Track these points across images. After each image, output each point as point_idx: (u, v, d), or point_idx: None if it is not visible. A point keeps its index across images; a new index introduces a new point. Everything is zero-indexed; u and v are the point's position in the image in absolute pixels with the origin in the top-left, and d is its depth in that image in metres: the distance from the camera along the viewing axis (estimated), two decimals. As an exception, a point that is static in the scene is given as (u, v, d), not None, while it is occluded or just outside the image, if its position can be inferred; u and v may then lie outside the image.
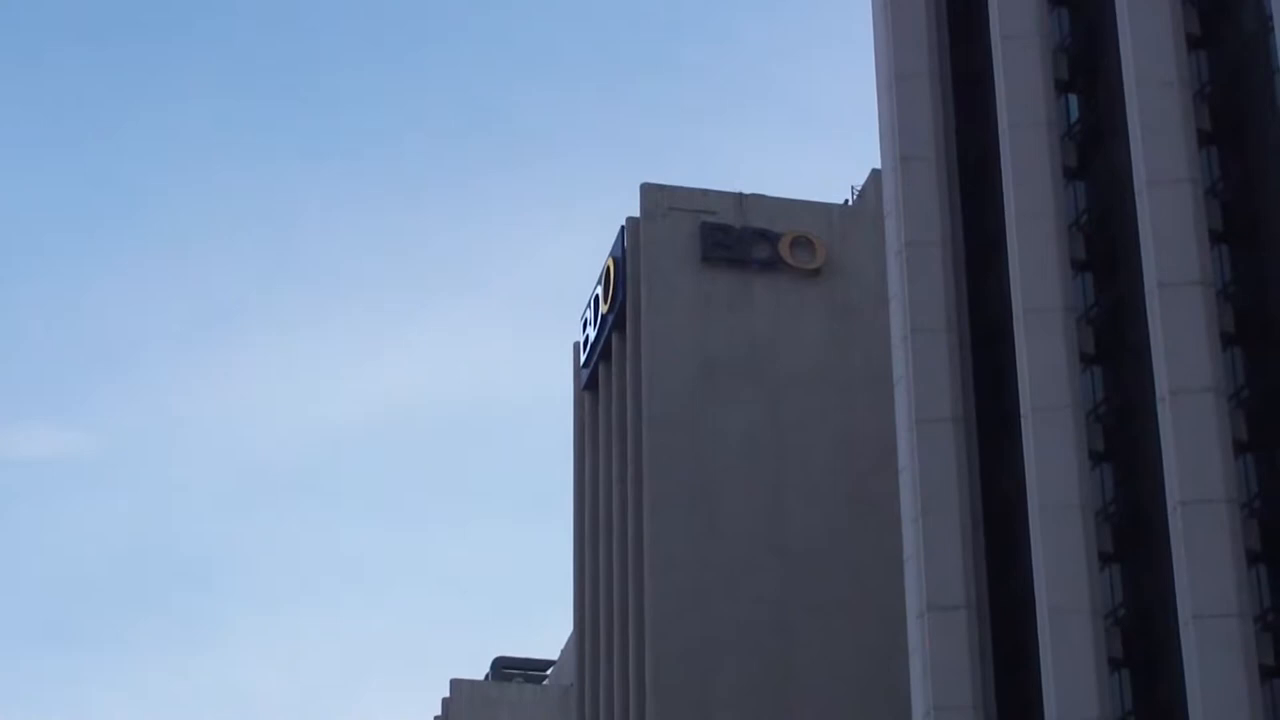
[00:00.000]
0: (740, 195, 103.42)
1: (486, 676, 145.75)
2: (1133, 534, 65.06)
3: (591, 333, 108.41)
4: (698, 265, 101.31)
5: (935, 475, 69.82)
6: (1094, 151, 70.44)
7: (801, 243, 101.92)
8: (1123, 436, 66.36)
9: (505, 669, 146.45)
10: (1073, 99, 71.85)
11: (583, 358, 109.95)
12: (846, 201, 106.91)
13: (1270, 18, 63.59)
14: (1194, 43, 67.26)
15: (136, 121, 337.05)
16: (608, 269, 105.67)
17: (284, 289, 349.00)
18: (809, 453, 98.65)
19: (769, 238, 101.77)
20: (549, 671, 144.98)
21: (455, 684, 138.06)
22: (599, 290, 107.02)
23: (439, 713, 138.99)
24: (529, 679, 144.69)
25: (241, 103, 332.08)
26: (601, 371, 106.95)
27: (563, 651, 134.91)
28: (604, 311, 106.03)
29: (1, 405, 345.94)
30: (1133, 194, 65.93)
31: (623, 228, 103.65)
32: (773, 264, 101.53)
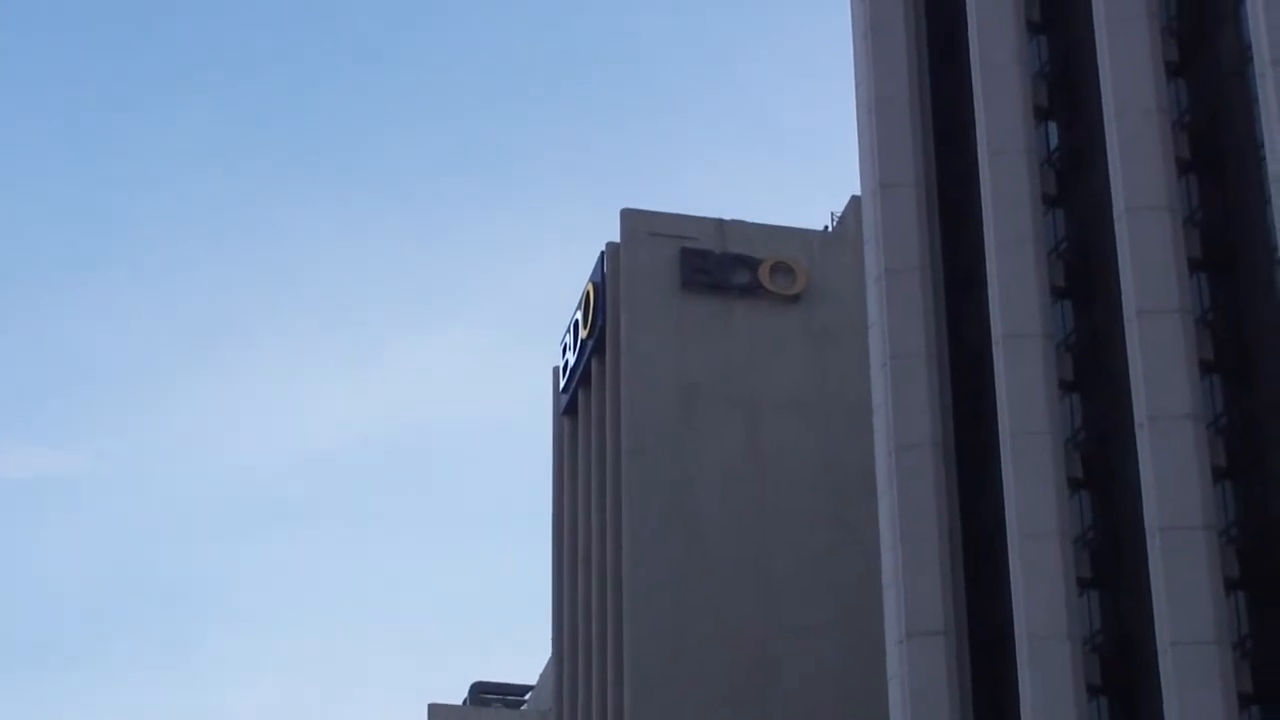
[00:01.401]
0: (720, 221, 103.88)
1: (464, 701, 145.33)
2: (1111, 560, 65.04)
3: (571, 358, 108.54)
4: (677, 291, 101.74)
5: (914, 501, 69.82)
6: (1073, 178, 70.50)
7: (781, 269, 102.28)
8: (1101, 463, 66.36)
9: (483, 694, 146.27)
10: (1052, 126, 71.96)
11: (562, 383, 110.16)
12: (826, 228, 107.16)
13: (1249, 47, 63.53)
14: (1173, 70, 67.29)
15: (122, 139, 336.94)
16: (587, 294, 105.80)
17: (267, 314, 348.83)
18: (789, 479, 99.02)
19: (749, 264, 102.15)
20: (527, 697, 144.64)
21: (433, 709, 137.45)
22: (579, 315, 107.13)
23: None
24: (507, 704, 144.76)
25: (227, 128, 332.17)
26: (581, 397, 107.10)
27: (541, 676, 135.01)
28: (583, 337, 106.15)
29: None
30: (1111, 221, 65.96)
31: (602, 253, 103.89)
32: (753, 290, 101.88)
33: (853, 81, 77.86)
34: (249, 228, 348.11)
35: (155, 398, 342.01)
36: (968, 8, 72.97)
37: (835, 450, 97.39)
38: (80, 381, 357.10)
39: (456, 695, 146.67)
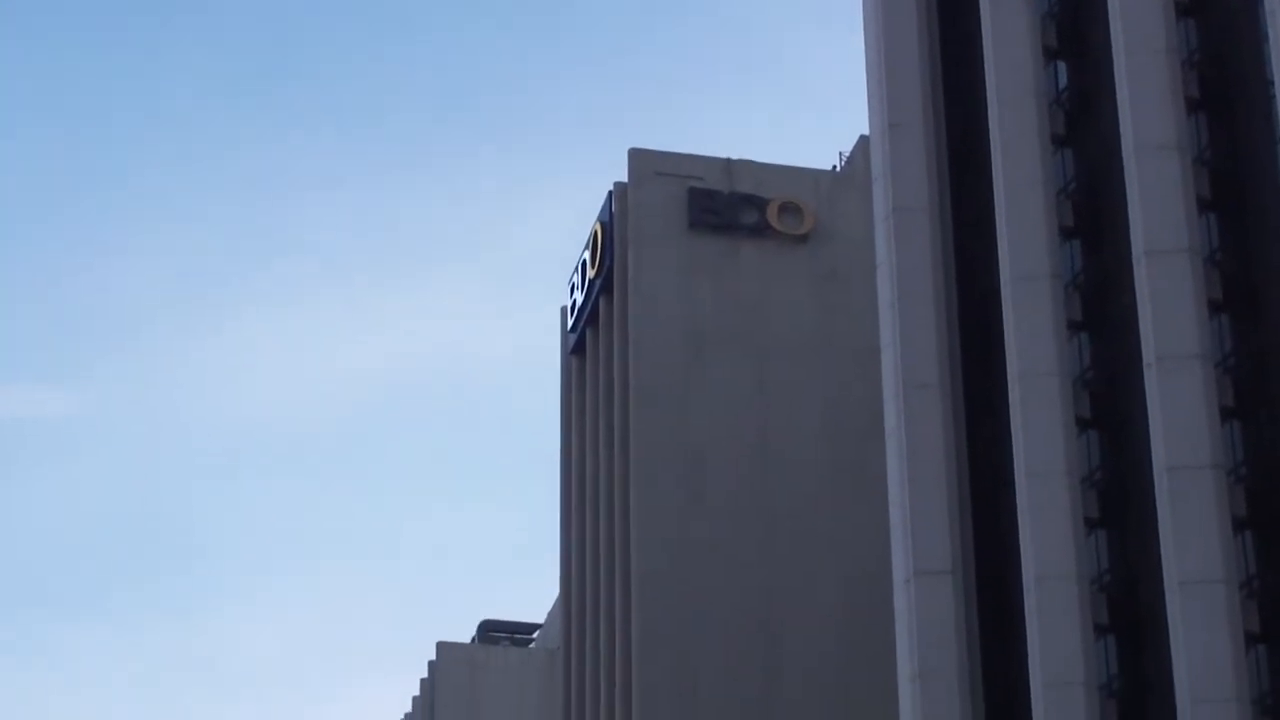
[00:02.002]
0: (728, 161, 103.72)
1: (473, 640, 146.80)
2: (1119, 500, 65.41)
3: (579, 297, 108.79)
4: (685, 231, 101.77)
5: (922, 441, 69.94)
6: (1082, 119, 70.43)
7: (789, 208, 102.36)
8: (1109, 403, 66.59)
9: (492, 632, 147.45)
10: (1061, 66, 71.79)
11: (570, 322, 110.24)
12: (835, 168, 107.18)
13: (1258, -15, 63.85)
14: (1182, 10, 67.30)
15: (128, 84, 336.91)
16: (595, 234, 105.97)
17: (274, 258, 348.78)
18: (795, 418, 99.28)
19: (756, 203, 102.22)
20: (535, 635, 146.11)
21: (442, 647, 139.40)
22: (586, 255, 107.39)
23: (425, 675, 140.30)
24: (515, 642, 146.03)
25: (232, 74, 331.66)
26: (589, 337, 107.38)
27: (549, 615, 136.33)
28: (591, 276, 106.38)
29: None
30: (1121, 162, 65.97)
31: (610, 193, 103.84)
32: (760, 230, 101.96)
33: (861, 21, 77.81)
34: (253, 172, 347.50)
35: (164, 344, 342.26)
36: (976, -51, 73.33)
37: (841, 391, 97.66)
38: (82, 324, 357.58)
39: (465, 634, 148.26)
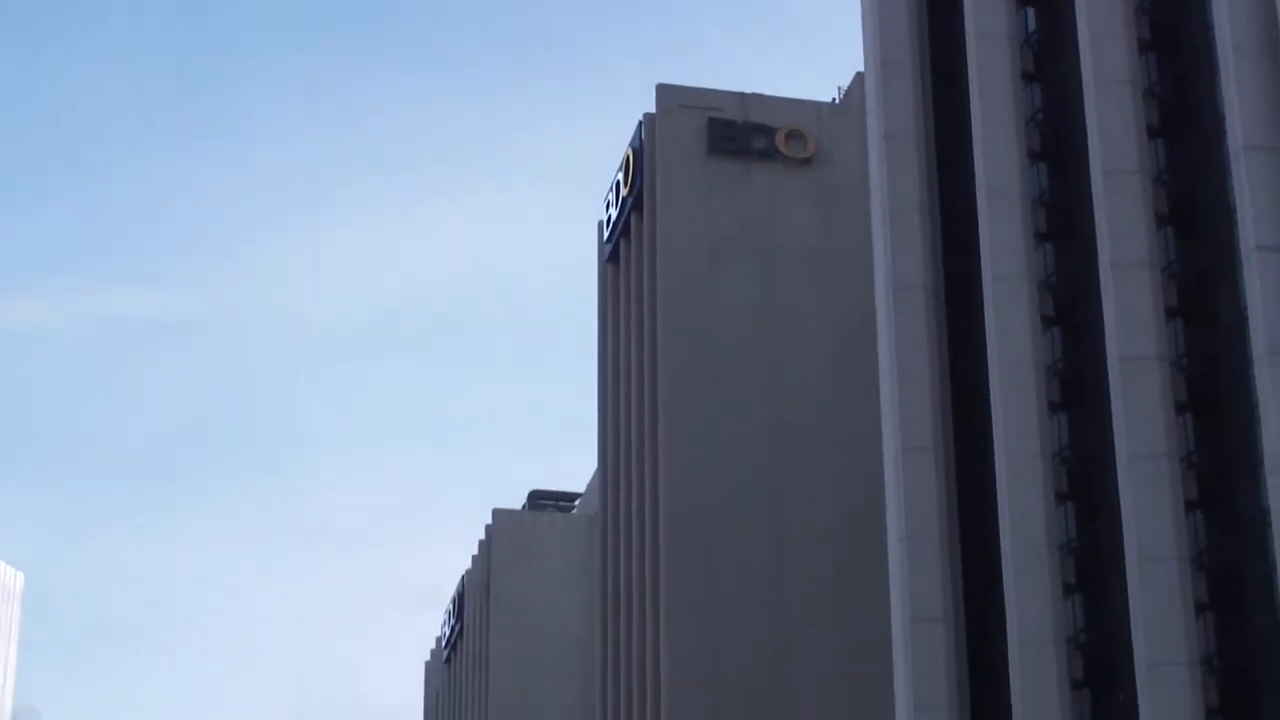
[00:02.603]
0: (742, 94, 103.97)
1: (523, 507, 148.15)
2: (1077, 386, 66.86)
3: (614, 213, 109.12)
4: (704, 155, 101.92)
5: (909, 335, 71.24)
6: (1048, 58, 71.16)
7: (795, 136, 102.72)
8: (1070, 303, 67.83)
9: (539, 500, 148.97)
10: (1030, 11, 72.34)
11: (606, 234, 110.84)
12: (834, 100, 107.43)
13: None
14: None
15: (217, 23, 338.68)
16: (628, 158, 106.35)
17: (343, 176, 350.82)
18: (798, 317, 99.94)
19: (766, 131, 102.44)
20: (576, 503, 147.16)
21: (496, 513, 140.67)
22: (620, 176, 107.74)
23: (482, 538, 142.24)
24: (559, 509, 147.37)
25: (307, 9, 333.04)
26: (622, 247, 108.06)
27: (588, 486, 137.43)
28: (624, 195, 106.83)
29: (106, 270, 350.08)
30: (1082, 95, 66.90)
31: (640, 123, 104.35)
32: (769, 154, 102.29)
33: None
34: (325, 99, 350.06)
35: (256, 249, 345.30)
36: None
37: (839, 293, 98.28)
38: (191, 234, 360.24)
39: (516, 502, 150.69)
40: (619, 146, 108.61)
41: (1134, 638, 60.69)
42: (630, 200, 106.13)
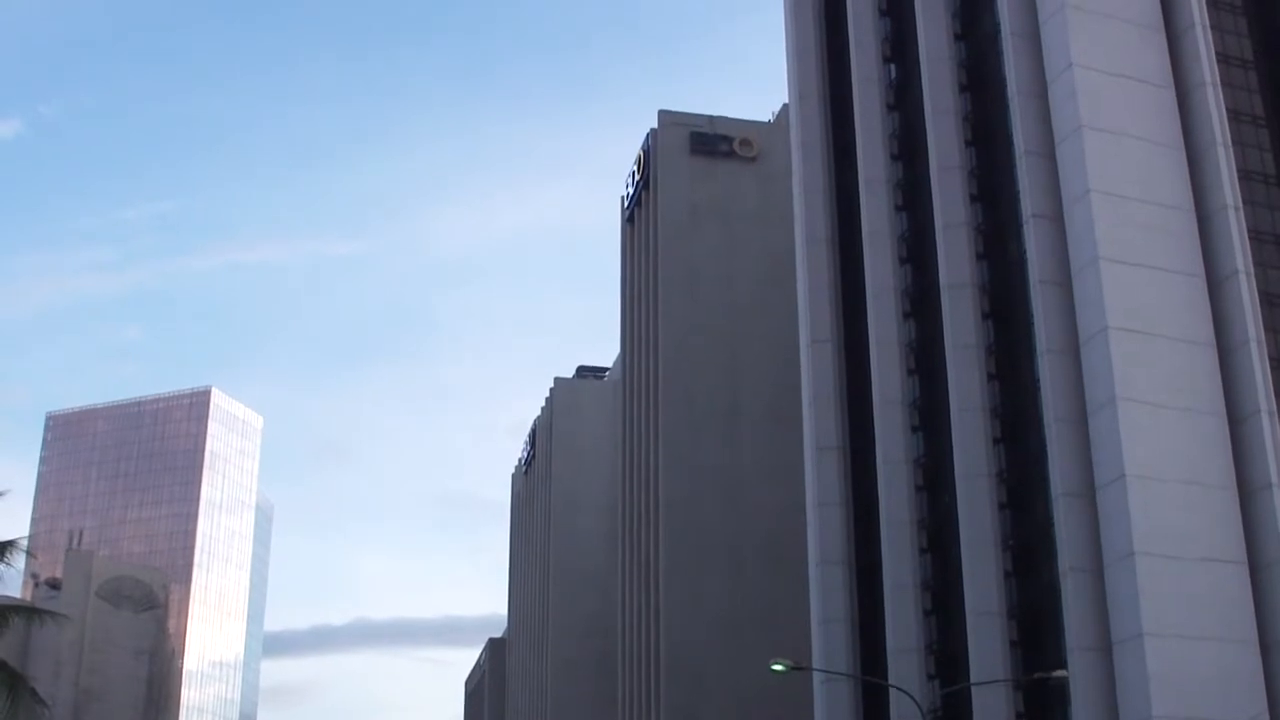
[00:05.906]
0: (711, 116, 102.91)
1: (573, 376, 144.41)
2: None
3: (631, 190, 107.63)
4: (688, 155, 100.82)
5: (812, 247, 68.76)
6: (901, 97, 66.56)
7: (745, 143, 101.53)
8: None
9: (583, 372, 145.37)
10: (892, 66, 67.64)
11: (626, 204, 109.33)
12: (771, 119, 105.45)
13: None
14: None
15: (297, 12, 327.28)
16: (640, 156, 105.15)
17: (421, 173, 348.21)
18: (752, 252, 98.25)
19: (728, 140, 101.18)
20: (606, 374, 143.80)
21: (557, 380, 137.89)
22: (634, 167, 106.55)
23: (548, 395, 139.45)
24: (596, 378, 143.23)
25: (374, 23, 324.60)
26: (637, 213, 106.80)
27: (614, 362, 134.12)
28: (637, 179, 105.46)
29: (314, 227, 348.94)
30: (924, 123, 61.35)
31: (647, 134, 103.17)
32: (729, 154, 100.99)
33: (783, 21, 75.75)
34: (386, 105, 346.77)
35: (388, 190, 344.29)
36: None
37: (778, 237, 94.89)
38: (371, 195, 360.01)
39: (569, 372, 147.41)
40: (633, 148, 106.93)
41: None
42: (641, 182, 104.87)
